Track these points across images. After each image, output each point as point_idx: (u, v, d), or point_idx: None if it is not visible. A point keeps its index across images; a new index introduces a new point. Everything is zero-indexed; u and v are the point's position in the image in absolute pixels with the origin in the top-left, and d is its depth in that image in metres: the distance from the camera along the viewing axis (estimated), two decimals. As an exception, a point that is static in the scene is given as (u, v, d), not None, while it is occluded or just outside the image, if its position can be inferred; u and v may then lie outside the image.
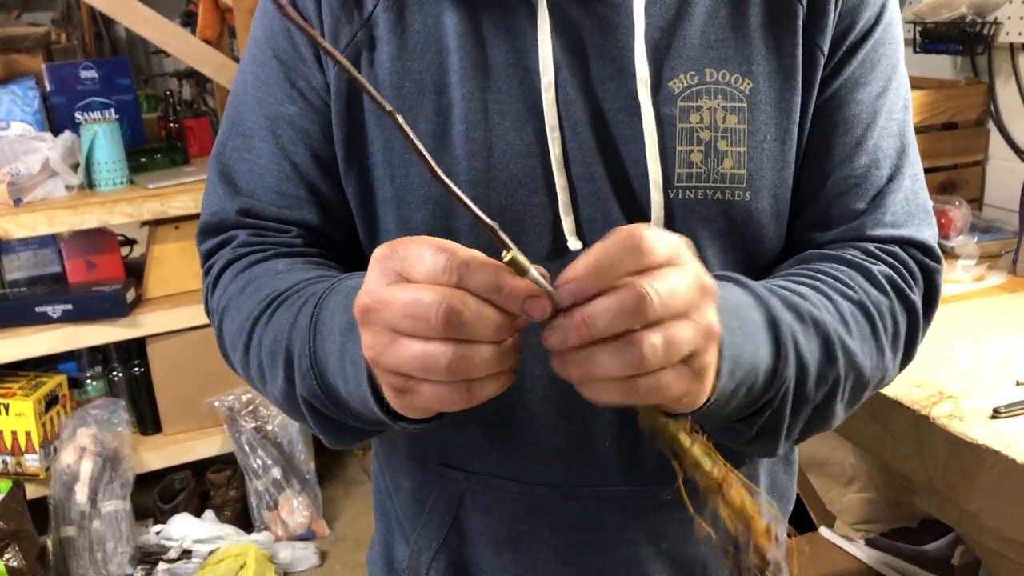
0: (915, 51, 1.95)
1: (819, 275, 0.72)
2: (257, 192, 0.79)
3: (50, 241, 2.50)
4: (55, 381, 2.48)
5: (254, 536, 2.56)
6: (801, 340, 0.65)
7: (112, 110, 2.59)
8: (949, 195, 1.86)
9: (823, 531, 1.90)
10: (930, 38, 1.90)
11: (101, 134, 2.40)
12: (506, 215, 0.72)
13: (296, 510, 2.59)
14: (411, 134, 0.48)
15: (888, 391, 1.25)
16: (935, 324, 0.78)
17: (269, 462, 2.59)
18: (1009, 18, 1.81)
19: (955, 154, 1.93)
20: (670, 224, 0.71)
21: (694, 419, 0.58)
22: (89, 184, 2.45)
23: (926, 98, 1.86)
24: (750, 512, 0.58)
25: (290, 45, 0.77)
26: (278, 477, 2.59)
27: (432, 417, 0.59)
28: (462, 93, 0.72)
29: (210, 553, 2.44)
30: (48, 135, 2.41)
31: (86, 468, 2.38)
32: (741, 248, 0.74)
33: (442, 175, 0.50)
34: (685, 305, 0.51)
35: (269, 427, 2.62)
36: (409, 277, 0.51)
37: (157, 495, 2.63)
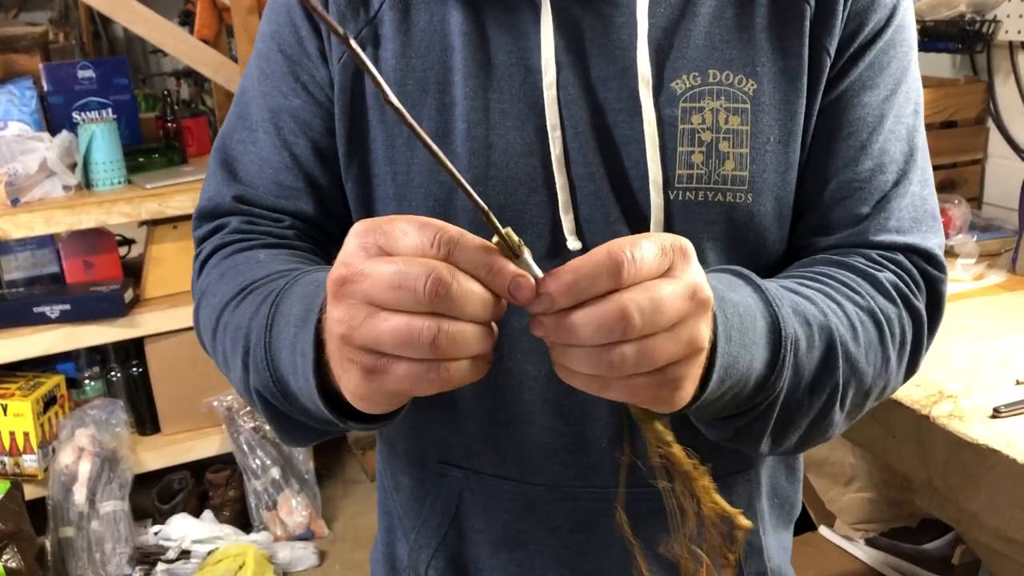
0: (914, 49, 1.94)
1: (827, 279, 0.71)
2: (255, 181, 0.79)
3: (48, 241, 2.49)
4: (53, 381, 2.47)
5: (253, 536, 2.56)
6: (802, 348, 0.64)
7: (110, 110, 2.58)
8: (948, 194, 1.86)
9: (823, 531, 1.90)
10: (929, 36, 1.90)
11: (99, 134, 2.40)
12: (506, 213, 0.72)
13: (295, 510, 2.59)
14: (409, 118, 0.47)
15: (888, 391, 1.25)
16: (935, 323, 0.77)
17: (268, 462, 2.58)
18: (1008, 16, 1.80)
19: (954, 152, 1.93)
20: (670, 225, 0.71)
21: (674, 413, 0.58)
22: (87, 184, 2.44)
23: (925, 97, 1.84)
24: (718, 511, 0.58)
25: (295, 40, 0.77)
26: (277, 477, 2.59)
27: (386, 415, 0.57)
28: (464, 91, 0.72)
29: (209, 553, 2.44)
30: (46, 135, 2.41)
31: (84, 468, 2.38)
32: (742, 251, 0.73)
33: (442, 156, 0.49)
34: (670, 320, 0.51)
35: (268, 427, 2.61)
36: (392, 251, 0.49)
37: (156, 495, 2.63)
